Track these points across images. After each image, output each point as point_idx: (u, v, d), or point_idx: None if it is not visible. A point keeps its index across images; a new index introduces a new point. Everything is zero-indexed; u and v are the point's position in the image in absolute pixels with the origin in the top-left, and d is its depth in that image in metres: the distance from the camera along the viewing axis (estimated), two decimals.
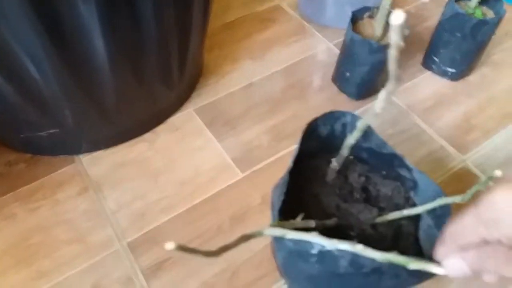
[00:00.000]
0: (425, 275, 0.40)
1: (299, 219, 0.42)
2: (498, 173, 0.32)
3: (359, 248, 0.32)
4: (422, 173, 0.46)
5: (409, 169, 0.47)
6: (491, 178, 0.33)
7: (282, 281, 0.54)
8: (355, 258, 0.36)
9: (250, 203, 0.60)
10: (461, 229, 0.28)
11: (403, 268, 0.37)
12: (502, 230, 0.25)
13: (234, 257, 0.56)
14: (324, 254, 0.38)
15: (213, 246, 0.57)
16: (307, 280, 0.46)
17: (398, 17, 0.27)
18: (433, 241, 0.43)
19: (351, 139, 0.44)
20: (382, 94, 0.36)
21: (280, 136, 0.68)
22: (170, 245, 0.28)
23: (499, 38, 0.84)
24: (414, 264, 0.30)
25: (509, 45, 0.83)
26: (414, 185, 0.48)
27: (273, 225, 0.39)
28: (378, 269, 0.37)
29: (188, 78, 0.69)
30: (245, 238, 0.37)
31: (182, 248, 0.29)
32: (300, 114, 0.71)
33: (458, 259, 0.28)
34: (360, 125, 0.41)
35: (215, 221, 0.59)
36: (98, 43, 0.48)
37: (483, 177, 0.64)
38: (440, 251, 0.31)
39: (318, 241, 0.34)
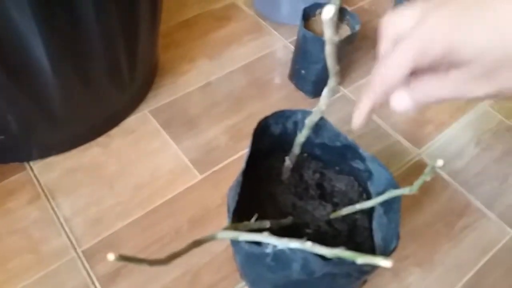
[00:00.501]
0: (375, 267, 0.41)
1: (253, 220, 0.41)
2: (440, 163, 0.33)
3: (309, 246, 0.32)
4: (374, 161, 0.46)
5: (362, 159, 0.48)
6: (433, 168, 0.33)
7: (243, 283, 0.53)
8: (306, 263, 0.36)
9: (209, 205, 0.60)
10: (392, 65, 0.28)
11: (354, 267, 0.37)
12: (432, 56, 0.25)
13: (195, 260, 0.55)
14: (278, 257, 0.38)
15: (172, 250, 0.56)
16: (265, 283, 0.46)
17: (328, 11, 0.27)
18: (384, 229, 0.44)
19: (301, 137, 0.44)
20: (324, 91, 0.37)
21: (238, 136, 0.68)
22: (111, 256, 0.27)
23: None
24: (361, 259, 0.30)
25: None
26: (369, 175, 0.48)
27: (226, 228, 0.39)
28: (329, 273, 0.37)
29: (141, 78, 0.67)
30: (197, 243, 0.36)
31: (124, 258, 0.28)
32: (258, 113, 0.71)
33: (403, 95, 0.29)
34: (308, 122, 0.41)
35: (173, 225, 0.58)
36: (36, 46, 0.46)
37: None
38: (364, 101, 0.31)
39: (270, 241, 0.34)
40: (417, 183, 0.36)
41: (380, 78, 0.29)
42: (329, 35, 0.30)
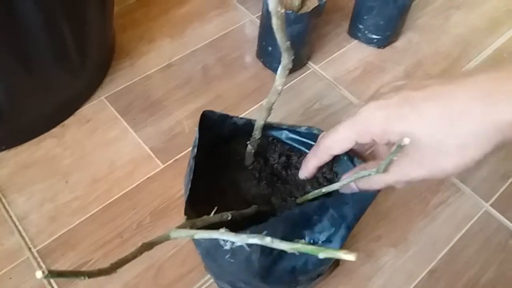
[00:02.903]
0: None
1: (212, 213, 0.38)
2: (406, 141, 0.30)
3: (268, 241, 0.30)
4: None
5: None
6: (400, 146, 0.31)
7: (208, 276, 0.51)
8: (263, 255, 0.33)
9: (172, 195, 0.56)
10: (336, 140, 0.35)
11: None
12: (373, 135, 0.32)
13: (158, 254, 0.52)
14: (236, 251, 0.36)
15: (133, 245, 0.53)
16: (228, 276, 0.43)
17: None
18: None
19: (260, 120, 0.41)
20: (279, 70, 0.33)
21: None
22: (39, 274, 0.23)
23: (423, 2, 0.83)
24: (323, 253, 0.27)
25: (433, 8, 0.83)
26: (337, 157, 0.45)
27: (180, 226, 0.36)
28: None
29: (95, 62, 0.62)
30: (146, 247, 0.33)
31: (56, 274, 0.24)
32: (225, 95, 0.67)
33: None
34: (266, 104, 0.38)
35: (135, 218, 0.54)
36: None
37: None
38: (311, 162, 0.40)
39: (227, 238, 0.31)
40: (384, 163, 0.33)
41: (328, 146, 0.36)
42: (273, 6, 0.26)
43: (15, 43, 0.47)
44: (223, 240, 0.36)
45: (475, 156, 0.28)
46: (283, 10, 0.27)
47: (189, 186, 0.38)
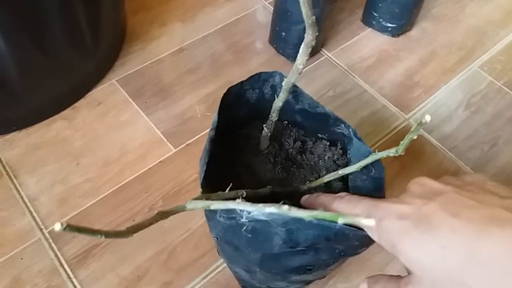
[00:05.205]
0: (363, 244, 0.38)
1: (227, 190, 0.38)
2: (427, 118, 0.29)
3: (285, 209, 0.29)
4: (352, 130, 0.42)
5: (346, 125, 0.44)
6: (421, 124, 0.30)
7: (221, 260, 0.50)
8: (289, 236, 0.33)
9: (184, 180, 0.56)
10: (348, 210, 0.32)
11: (340, 242, 0.34)
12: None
13: (170, 238, 0.52)
14: (256, 232, 0.35)
15: None
16: (244, 260, 0.43)
17: None
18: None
19: (278, 101, 0.40)
20: (301, 48, 0.33)
21: (215, 105, 0.63)
22: (57, 226, 0.23)
23: None
24: (342, 219, 0.26)
25: None
26: (350, 141, 0.44)
27: (197, 198, 0.35)
28: (313, 245, 0.34)
29: (107, 45, 0.61)
30: (162, 215, 0.32)
31: (74, 228, 0.24)
32: (236, 80, 0.65)
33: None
34: (285, 85, 0.37)
35: (147, 201, 0.54)
36: None
37: (425, 133, 0.63)
38: (321, 200, 0.37)
39: (243, 207, 0.31)
40: (404, 143, 0.32)
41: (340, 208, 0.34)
42: None
43: (30, 23, 0.47)
44: (241, 217, 0.35)
45: None
46: None
47: (205, 167, 0.38)
